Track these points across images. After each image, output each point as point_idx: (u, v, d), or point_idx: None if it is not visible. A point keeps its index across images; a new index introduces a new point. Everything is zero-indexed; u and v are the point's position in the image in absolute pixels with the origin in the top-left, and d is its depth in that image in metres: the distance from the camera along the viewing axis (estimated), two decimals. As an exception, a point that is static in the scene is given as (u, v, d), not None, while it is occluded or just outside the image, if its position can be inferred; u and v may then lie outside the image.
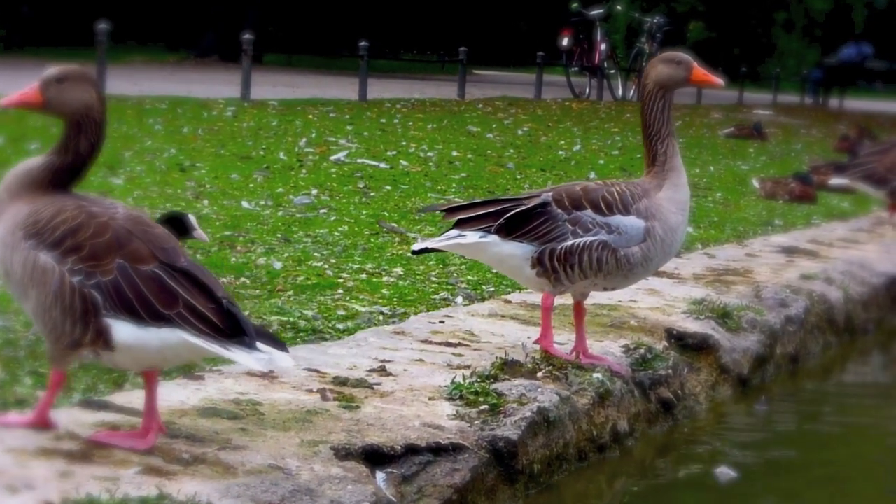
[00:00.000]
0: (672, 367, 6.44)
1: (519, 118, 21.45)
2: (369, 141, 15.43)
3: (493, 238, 5.76)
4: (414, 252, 6.25)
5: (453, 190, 11.62)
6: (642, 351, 6.36)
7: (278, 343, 4.22)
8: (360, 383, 5.30)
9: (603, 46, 30.72)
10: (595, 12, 30.95)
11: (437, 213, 6.19)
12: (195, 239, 6.25)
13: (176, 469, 4.12)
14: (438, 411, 5.09)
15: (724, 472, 5.68)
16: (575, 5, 31.85)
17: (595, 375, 5.80)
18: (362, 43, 23.23)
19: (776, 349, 7.60)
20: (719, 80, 6.01)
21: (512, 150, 15.89)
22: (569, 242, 5.70)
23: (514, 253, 5.78)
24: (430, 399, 5.22)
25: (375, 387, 5.29)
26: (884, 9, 52.06)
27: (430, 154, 14.50)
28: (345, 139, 15.24)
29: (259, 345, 4.12)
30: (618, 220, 5.71)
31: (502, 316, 6.84)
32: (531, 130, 19.24)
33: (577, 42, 30.59)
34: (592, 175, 13.32)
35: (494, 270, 7.20)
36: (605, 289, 5.91)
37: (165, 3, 40.84)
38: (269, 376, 5.28)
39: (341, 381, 5.30)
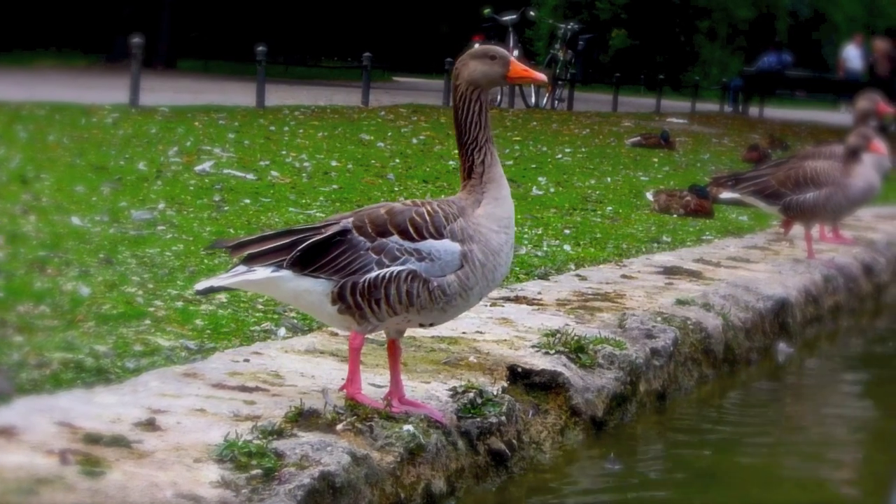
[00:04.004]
0: (507, 413, 5.62)
1: (419, 126, 20.60)
2: (247, 150, 14.53)
3: (286, 273, 4.97)
4: (198, 292, 5.46)
5: (318, 203, 10.78)
6: (472, 395, 5.55)
7: None
8: (116, 441, 4.48)
9: (515, 53, 29.92)
10: (507, 18, 30.15)
11: (224, 249, 5.34)
12: None
13: None
14: (201, 477, 4.28)
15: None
16: (487, 10, 31.03)
17: (406, 427, 5.00)
18: (260, 48, 22.34)
19: (639, 386, 6.82)
20: (541, 76, 5.23)
21: (398, 160, 15.01)
22: (372, 274, 4.91)
23: (312, 289, 4.98)
24: (195, 461, 4.40)
25: (135, 445, 4.47)
26: (807, 18, 51.84)
27: (306, 164, 13.59)
28: (220, 148, 14.33)
29: None
30: (429, 245, 4.93)
31: (321, 352, 6.03)
32: (427, 139, 18.40)
33: (489, 48, 29.76)
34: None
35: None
36: (422, 325, 5.13)
37: (84, 8, 39.78)
38: (7, 433, 4.45)
39: (94, 439, 4.47)
